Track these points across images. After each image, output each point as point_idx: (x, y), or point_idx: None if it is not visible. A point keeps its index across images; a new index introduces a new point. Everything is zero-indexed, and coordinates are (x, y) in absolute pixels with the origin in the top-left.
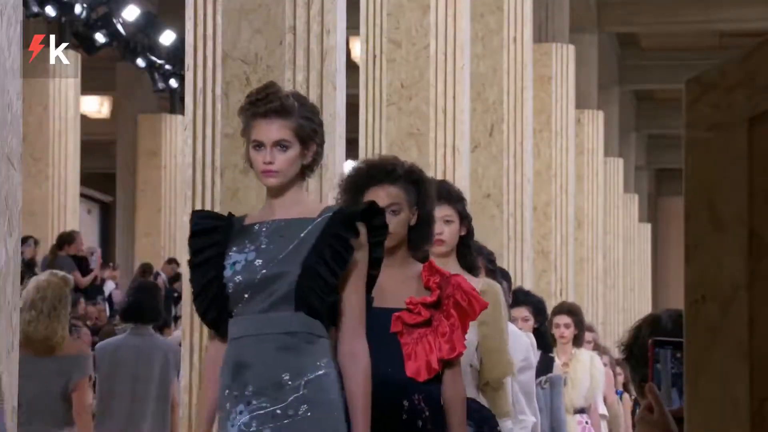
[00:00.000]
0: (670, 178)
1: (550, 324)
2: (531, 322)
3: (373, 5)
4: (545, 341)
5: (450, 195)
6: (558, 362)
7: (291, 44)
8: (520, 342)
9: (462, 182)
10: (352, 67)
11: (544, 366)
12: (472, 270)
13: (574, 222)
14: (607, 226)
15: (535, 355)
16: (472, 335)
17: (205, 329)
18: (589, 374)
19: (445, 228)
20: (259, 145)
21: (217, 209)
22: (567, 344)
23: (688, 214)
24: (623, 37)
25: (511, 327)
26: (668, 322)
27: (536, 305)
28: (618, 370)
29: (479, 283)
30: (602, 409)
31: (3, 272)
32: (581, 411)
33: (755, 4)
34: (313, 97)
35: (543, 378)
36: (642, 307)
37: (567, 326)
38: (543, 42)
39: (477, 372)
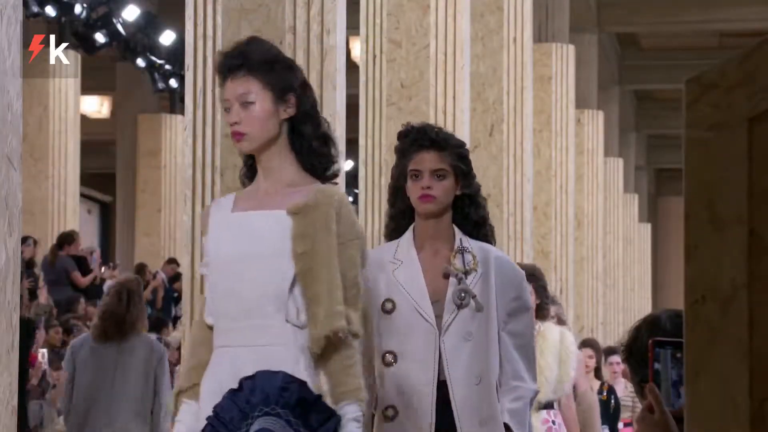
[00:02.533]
0: (670, 178)
1: None
2: None
3: (373, 5)
4: None
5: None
6: None
7: (291, 44)
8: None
9: None
10: (352, 67)
11: None
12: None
13: (574, 222)
14: (607, 226)
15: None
16: None
17: None
18: (557, 358)
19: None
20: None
21: None
22: None
23: (687, 213)
24: (623, 37)
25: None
26: (668, 322)
27: None
28: (589, 352)
29: None
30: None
31: (3, 272)
32: (547, 406)
33: (755, 4)
34: None
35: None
36: (642, 307)
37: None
38: (543, 42)
39: None
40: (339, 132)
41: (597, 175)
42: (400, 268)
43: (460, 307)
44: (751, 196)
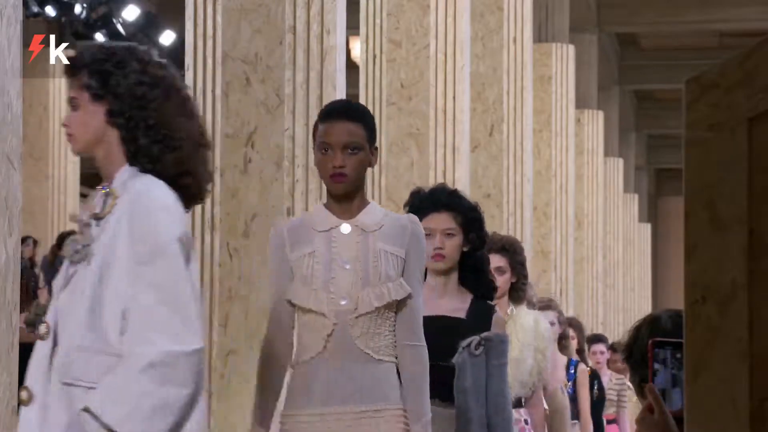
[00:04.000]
0: (670, 178)
1: None
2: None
3: (373, 5)
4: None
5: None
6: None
7: (291, 44)
8: None
9: (462, 182)
10: (352, 67)
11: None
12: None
13: (574, 222)
14: (607, 226)
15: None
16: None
17: (206, 328)
18: (532, 346)
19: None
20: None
21: (216, 209)
22: (501, 297)
23: (687, 213)
24: (623, 37)
25: None
26: (668, 322)
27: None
28: (571, 333)
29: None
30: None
31: (3, 272)
32: (517, 404)
33: (755, 4)
34: (313, 97)
35: (474, 339)
36: (642, 307)
37: (500, 270)
38: (543, 42)
39: None
40: None
41: (597, 175)
42: None
43: None
44: (751, 196)
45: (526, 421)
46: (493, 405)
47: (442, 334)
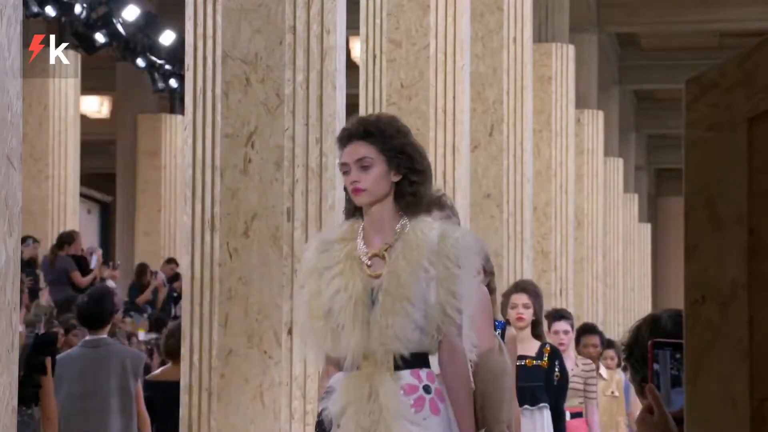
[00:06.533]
0: (670, 178)
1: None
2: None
3: (373, 5)
4: None
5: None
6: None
7: (291, 44)
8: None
9: (462, 182)
10: (352, 67)
11: None
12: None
13: (574, 222)
14: (607, 226)
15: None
16: None
17: (206, 328)
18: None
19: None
20: None
21: (216, 209)
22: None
23: (687, 213)
24: (623, 37)
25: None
26: (668, 322)
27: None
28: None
29: None
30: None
31: (3, 272)
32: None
33: (755, 4)
34: (313, 97)
35: None
36: (642, 307)
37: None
38: (543, 42)
39: None
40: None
41: (597, 175)
42: None
43: None
44: (751, 196)
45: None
46: None
47: None
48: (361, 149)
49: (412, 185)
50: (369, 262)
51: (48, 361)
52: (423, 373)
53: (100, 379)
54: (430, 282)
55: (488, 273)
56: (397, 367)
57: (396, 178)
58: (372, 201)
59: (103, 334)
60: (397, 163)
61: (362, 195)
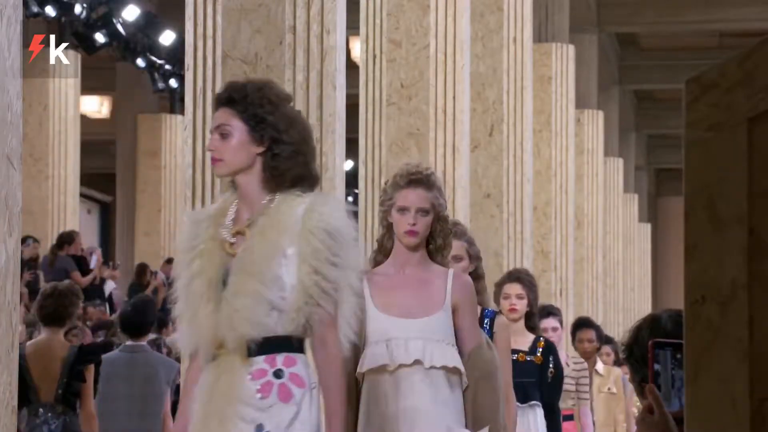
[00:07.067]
0: (670, 178)
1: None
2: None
3: (373, 5)
4: None
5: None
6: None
7: (291, 44)
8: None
9: (462, 182)
10: (352, 67)
11: None
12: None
13: (574, 222)
14: (607, 225)
15: None
16: None
17: None
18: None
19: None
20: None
21: None
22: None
23: (687, 213)
24: (623, 37)
25: None
26: (668, 322)
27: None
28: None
29: None
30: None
31: (3, 272)
32: None
33: (755, 4)
34: (313, 97)
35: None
36: (642, 307)
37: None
38: (543, 42)
39: None
40: (339, 132)
41: (597, 175)
42: None
43: None
44: (751, 196)
45: None
46: None
47: None
48: (222, 116)
49: (274, 158)
50: (233, 240)
51: (89, 369)
52: (280, 357)
53: (134, 383)
54: (292, 260)
55: (474, 258)
56: (251, 353)
57: (258, 150)
58: (230, 172)
59: (143, 341)
60: (261, 133)
61: (218, 165)
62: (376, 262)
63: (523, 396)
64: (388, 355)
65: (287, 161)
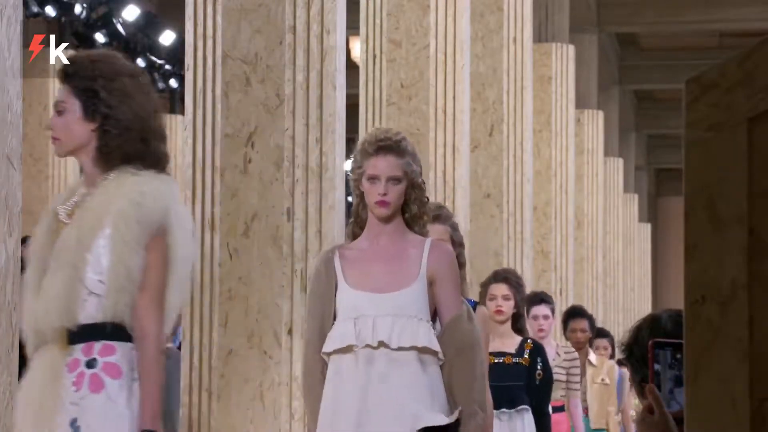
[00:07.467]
0: (670, 178)
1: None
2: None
3: (373, 5)
4: None
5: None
6: None
7: (291, 44)
8: None
9: (462, 182)
10: (352, 67)
11: None
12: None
13: (574, 222)
14: (607, 226)
15: None
16: None
17: (206, 328)
18: None
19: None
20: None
21: (216, 209)
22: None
23: (687, 213)
24: (623, 37)
25: None
26: (668, 322)
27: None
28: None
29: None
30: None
31: (3, 272)
32: None
33: (755, 4)
34: (313, 97)
35: None
36: (642, 307)
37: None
38: (543, 42)
39: None
40: (339, 132)
41: (597, 175)
42: None
43: None
44: (751, 196)
45: None
46: None
47: None
48: (60, 93)
49: (104, 135)
50: (67, 221)
51: None
52: (98, 345)
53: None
54: (109, 241)
55: (457, 244)
56: (71, 342)
57: (92, 127)
58: (68, 151)
59: (169, 344)
60: (93, 109)
61: (56, 144)
62: (354, 234)
63: (511, 401)
64: (355, 334)
65: (117, 138)
